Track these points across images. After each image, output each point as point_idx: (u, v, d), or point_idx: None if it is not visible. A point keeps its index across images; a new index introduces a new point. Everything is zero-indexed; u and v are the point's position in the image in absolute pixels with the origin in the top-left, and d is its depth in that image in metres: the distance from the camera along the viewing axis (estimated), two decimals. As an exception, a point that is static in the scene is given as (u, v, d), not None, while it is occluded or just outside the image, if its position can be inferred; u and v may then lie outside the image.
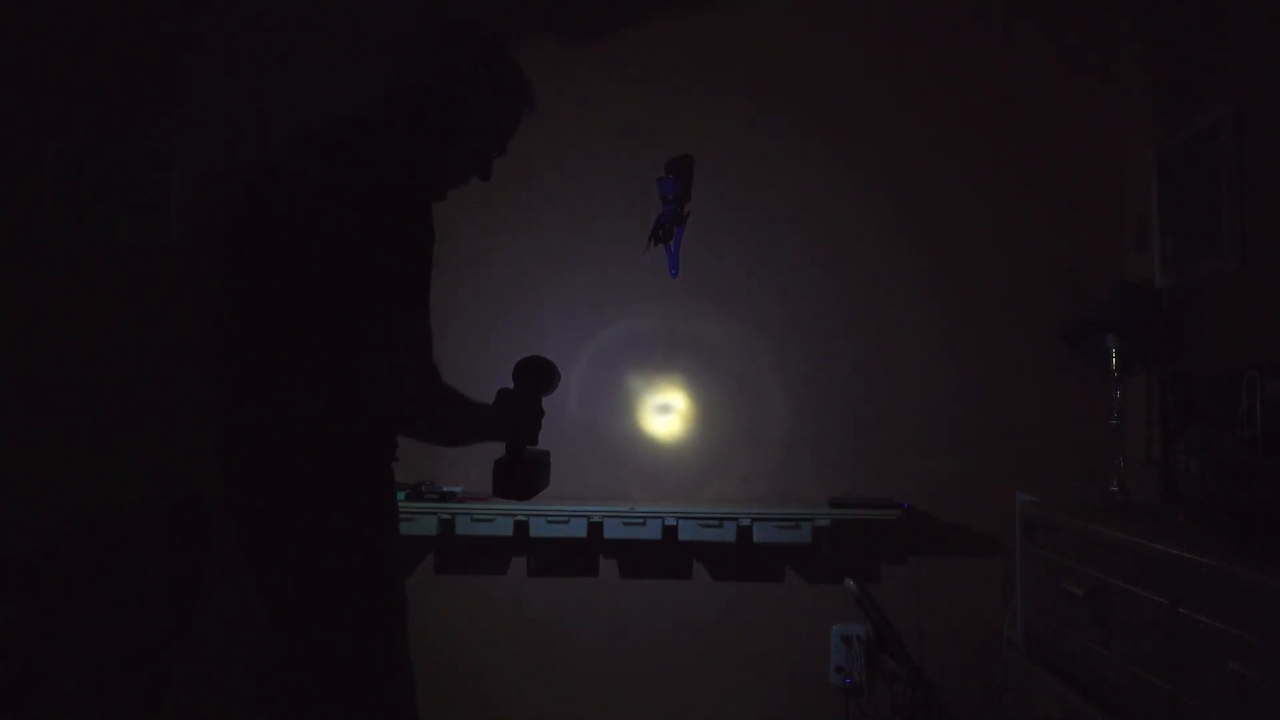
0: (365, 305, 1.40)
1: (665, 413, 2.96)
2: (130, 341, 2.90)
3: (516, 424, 1.62)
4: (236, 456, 1.52)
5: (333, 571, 1.46)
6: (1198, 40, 2.48)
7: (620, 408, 2.96)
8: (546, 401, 1.66)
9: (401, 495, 2.79)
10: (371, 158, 1.49)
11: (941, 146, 2.92)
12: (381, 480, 1.55)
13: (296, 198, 1.45)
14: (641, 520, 2.78)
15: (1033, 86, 2.91)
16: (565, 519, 2.78)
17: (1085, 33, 2.91)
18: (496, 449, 1.61)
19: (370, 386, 1.44)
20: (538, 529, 2.78)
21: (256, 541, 1.51)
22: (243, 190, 1.56)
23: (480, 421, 1.60)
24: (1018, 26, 2.93)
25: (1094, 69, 2.90)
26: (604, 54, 3.00)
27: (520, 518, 2.78)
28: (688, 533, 2.78)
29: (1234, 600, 1.49)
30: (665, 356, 2.96)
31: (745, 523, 2.76)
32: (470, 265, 2.96)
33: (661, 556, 2.89)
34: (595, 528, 2.80)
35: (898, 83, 2.94)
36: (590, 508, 2.78)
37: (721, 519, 2.77)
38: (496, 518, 2.79)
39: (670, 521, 2.78)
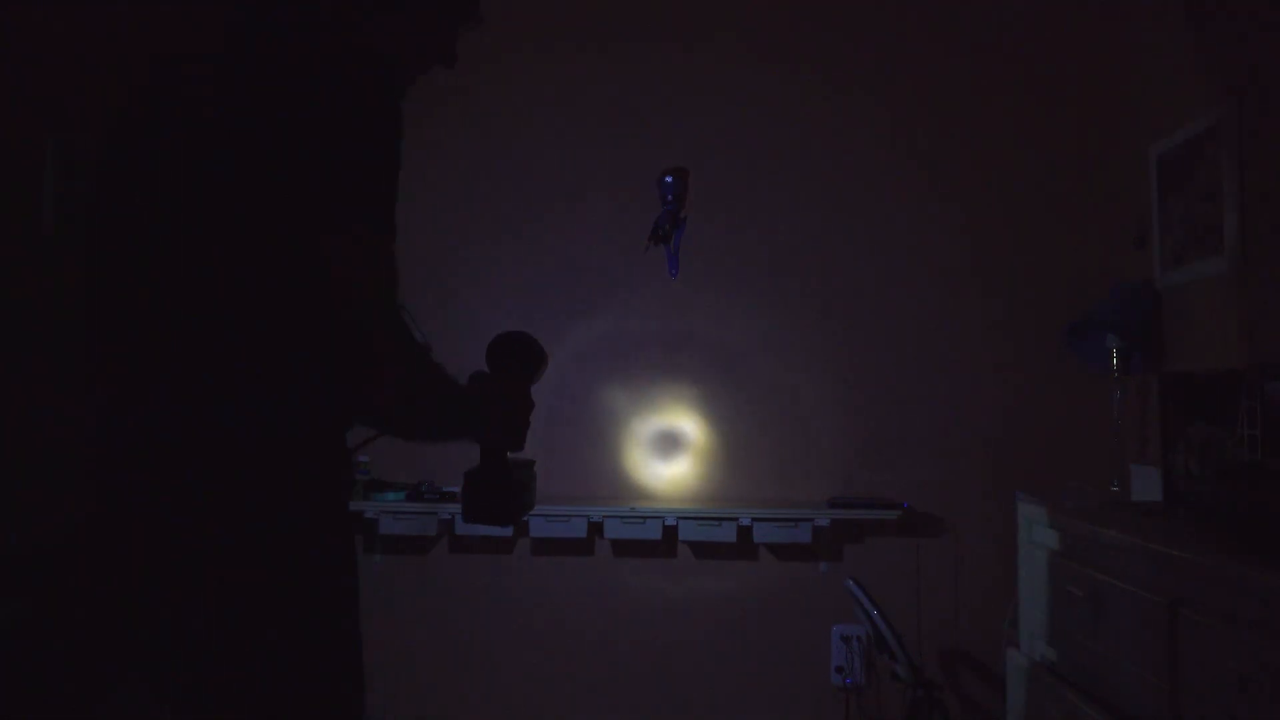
0: (301, 229, 0.98)
1: (665, 413, 2.96)
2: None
3: (498, 421, 1.22)
4: (132, 467, 1.03)
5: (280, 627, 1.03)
6: (1198, 40, 2.48)
7: (619, 407, 2.96)
8: (536, 395, 1.30)
9: (401, 495, 2.79)
10: (299, 30, 1.08)
11: (941, 147, 2.92)
12: (337, 495, 1.11)
13: (195, 95, 1.05)
14: (641, 520, 2.78)
15: (1032, 87, 2.92)
16: (565, 518, 2.77)
17: (1085, 33, 2.91)
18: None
19: (318, 349, 1.02)
20: (538, 529, 2.78)
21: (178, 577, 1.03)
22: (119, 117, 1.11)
23: (456, 411, 1.18)
24: (1018, 27, 2.93)
25: (1094, 68, 2.90)
26: (606, 48, 3.00)
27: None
28: (688, 533, 2.78)
29: (1234, 600, 1.49)
30: (666, 357, 2.96)
31: (745, 522, 2.76)
32: (467, 266, 2.96)
33: (661, 556, 2.89)
34: (595, 527, 2.80)
35: (896, 83, 2.94)
36: (590, 507, 2.78)
37: (721, 519, 2.77)
38: (496, 518, 2.78)
39: (670, 521, 2.78)
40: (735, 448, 2.94)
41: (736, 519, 2.76)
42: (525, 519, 2.75)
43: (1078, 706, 1.96)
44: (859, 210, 2.94)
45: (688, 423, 2.96)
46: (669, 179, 2.88)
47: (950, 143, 2.92)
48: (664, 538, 2.79)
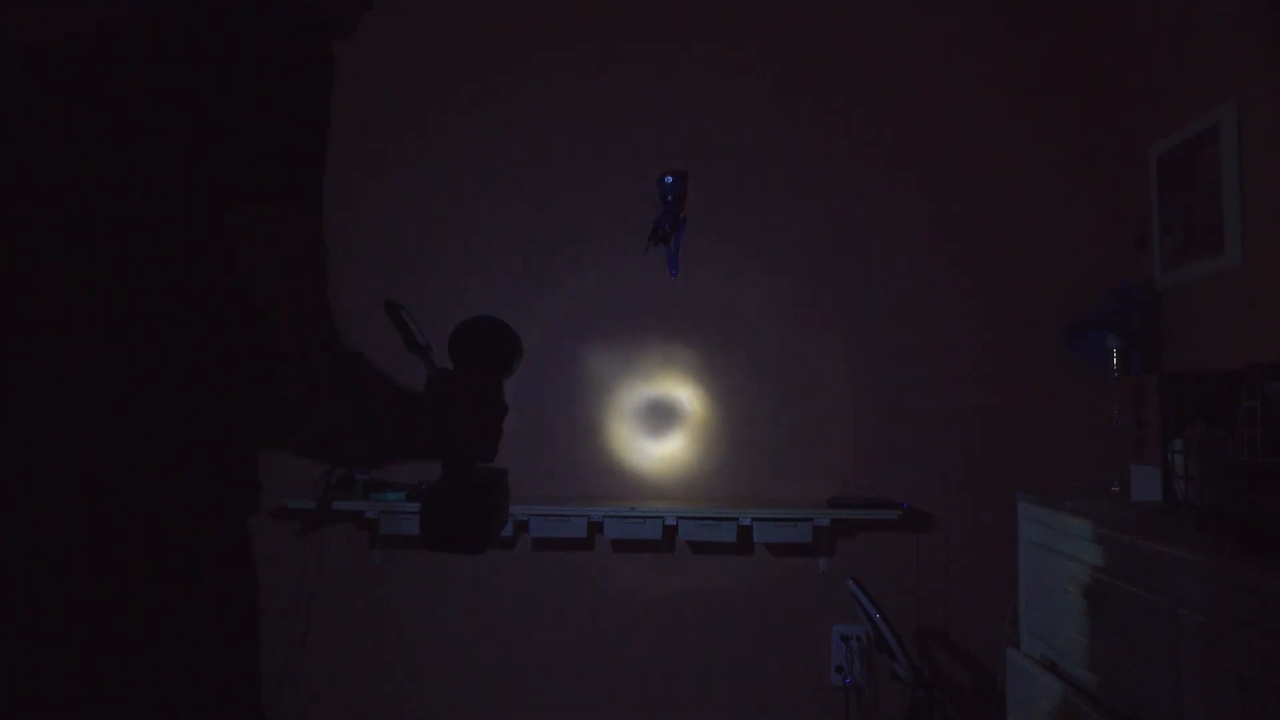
0: (208, 202, 0.85)
1: (665, 412, 2.96)
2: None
3: (463, 425, 1.06)
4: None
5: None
6: (1198, 40, 2.48)
7: (619, 407, 2.96)
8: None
9: (401, 495, 2.78)
10: None
11: (941, 148, 2.93)
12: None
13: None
14: (642, 520, 2.78)
15: (1031, 86, 2.92)
16: (565, 518, 2.77)
17: (1085, 33, 2.91)
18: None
19: (219, 345, 0.91)
20: (538, 528, 2.78)
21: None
22: None
23: (412, 421, 1.01)
24: (1018, 27, 2.94)
25: (1094, 68, 2.90)
26: (609, 43, 3.00)
27: (520, 518, 2.78)
28: (688, 533, 2.78)
29: (1234, 600, 1.49)
30: (665, 356, 2.96)
31: (745, 522, 2.76)
32: (465, 267, 2.96)
33: (661, 556, 2.90)
34: (595, 527, 2.80)
35: (896, 82, 2.94)
36: (590, 508, 2.78)
37: (721, 519, 2.77)
38: (496, 517, 2.78)
39: (670, 521, 2.78)
40: (736, 447, 2.94)
41: (736, 519, 2.76)
42: (526, 519, 2.75)
43: (1078, 707, 1.96)
44: (858, 210, 2.94)
45: (687, 423, 2.96)
46: (669, 179, 2.88)
47: (950, 142, 2.92)
48: (664, 537, 2.79)
